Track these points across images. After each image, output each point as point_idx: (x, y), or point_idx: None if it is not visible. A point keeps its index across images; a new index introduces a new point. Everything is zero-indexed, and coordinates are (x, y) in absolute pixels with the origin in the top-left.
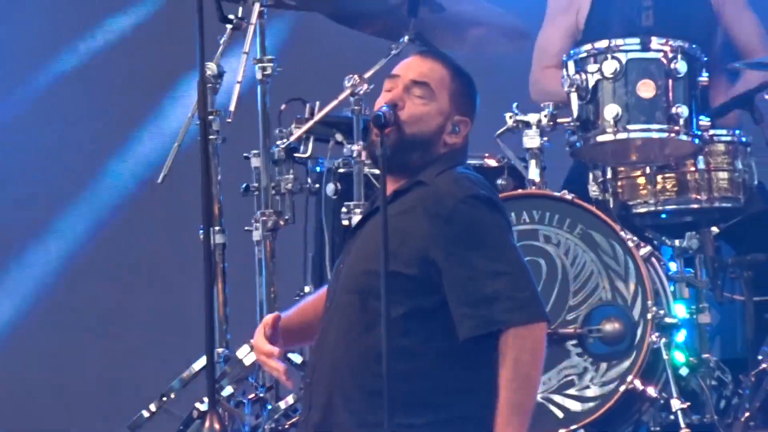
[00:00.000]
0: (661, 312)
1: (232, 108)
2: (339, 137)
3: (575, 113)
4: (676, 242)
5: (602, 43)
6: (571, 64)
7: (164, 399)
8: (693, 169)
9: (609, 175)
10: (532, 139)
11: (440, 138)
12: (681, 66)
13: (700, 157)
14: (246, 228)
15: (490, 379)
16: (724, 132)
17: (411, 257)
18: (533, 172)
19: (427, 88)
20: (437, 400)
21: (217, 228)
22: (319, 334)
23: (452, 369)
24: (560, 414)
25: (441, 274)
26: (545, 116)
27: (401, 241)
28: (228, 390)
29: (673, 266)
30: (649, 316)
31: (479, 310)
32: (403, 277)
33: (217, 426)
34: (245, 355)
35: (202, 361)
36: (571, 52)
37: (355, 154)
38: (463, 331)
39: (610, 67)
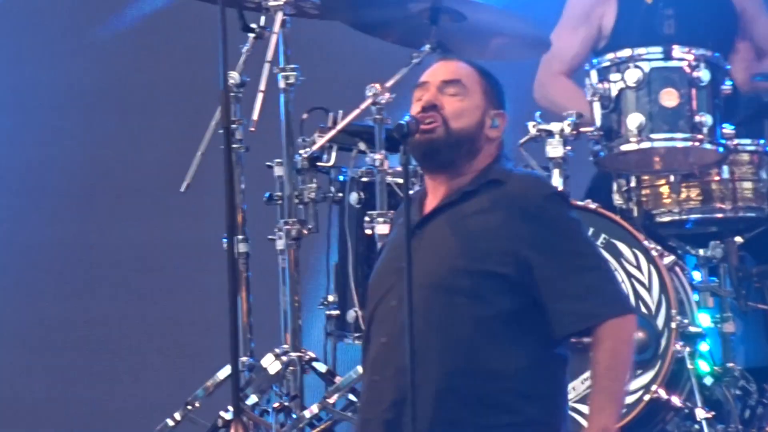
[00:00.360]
0: (686, 321)
1: (255, 117)
2: (362, 146)
3: (598, 122)
4: (700, 251)
5: (625, 52)
6: (593, 73)
7: (189, 408)
8: (717, 178)
9: (633, 183)
10: (555, 148)
11: (482, 132)
12: (704, 74)
13: (725, 167)
14: (269, 237)
15: (563, 386)
16: (748, 142)
17: (503, 256)
18: (556, 181)
19: (460, 84)
20: (517, 403)
21: (240, 237)
22: (385, 331)
23: (532, 373)
24: (585, 423)
25: (532, 272)
26: (568, 125)
27: (491, 240)
28: (252, 399)
29: (697, 275)
30: (673, 325)
31: (577, 306)
32: (497, 276)
33: None
34: (270, 363)
35: (226, 370)
36: (594, 61)
37: (377, 163)
38: (561, 328)
39: (633, 76)
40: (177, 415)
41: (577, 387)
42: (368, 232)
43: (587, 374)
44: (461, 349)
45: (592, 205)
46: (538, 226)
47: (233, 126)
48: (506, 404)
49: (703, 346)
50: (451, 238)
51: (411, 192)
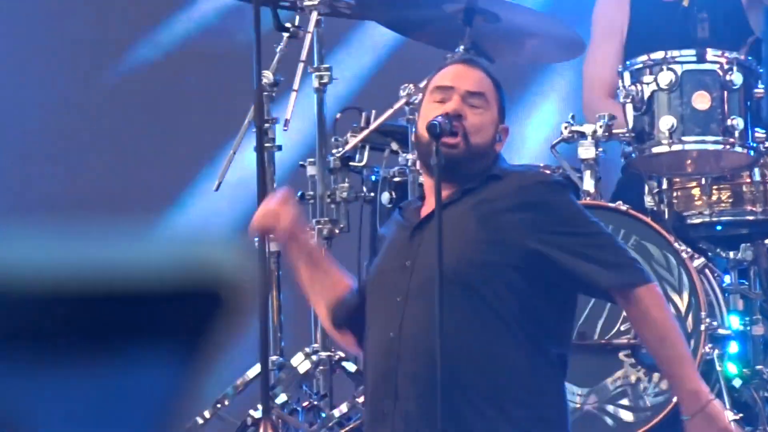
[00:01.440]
0: (715, 323)
1: (288, 116)
2: (394, 146)
3: (630, 124)
4: (731, 254)
5: (658, 54)
6: (626, 75)
7: (218, 406)
8: (748, 180)
9: (664, 185)
10: (587, 150)
11: (493, 147)
12: (736, 78)
13: (756, 169)
14: None
15: (564, 387)
16: None
17: (512, 248)
18: (588, 183)
19: (483, 98)
20: (530, 399)
21: (272, 235)
22: (394, 325)
23: (544, 370)
24: (612, 423)
25: (547, 260)
26: (600, 127)
27: (494, 231)
28: (282, 397)
29: (727, 278)
30: (703, 327)
31: (605, 273)
32: (510, 268)
33: None
34: (299, 362)
35: (256, 369)
36: (627, 62)
37: (410, 163)
38: (606, 280)
39: (665, 78)
40: (206, 413)
41: (606, 387)
42: None
43: (617, 374)
44: (470, 343)
45: (623, 207)
46: (542, 215)
47: (266, 125)
48: (517, 400)
49: (732, 348)
50: (455, 233)
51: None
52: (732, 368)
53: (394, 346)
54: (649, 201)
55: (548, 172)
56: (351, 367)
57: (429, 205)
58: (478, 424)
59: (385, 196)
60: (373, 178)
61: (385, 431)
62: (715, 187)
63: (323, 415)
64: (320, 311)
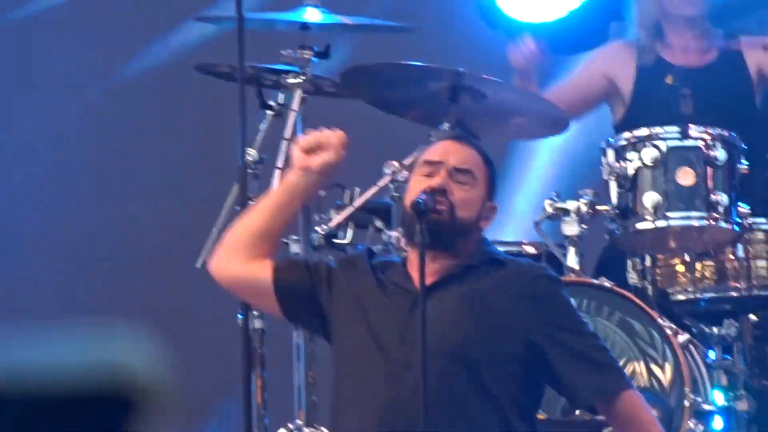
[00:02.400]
0: (699, 399)
1: None
2: (378, 224)
3: (614, 201)
4: (715, 329)
5: (642, 132)
6: (610, 152)
7: None
8: (732, 257)
9: (648, 262)
10: (570, 226)
11: (478, 224)
12: (720, 154)
13: (739, 245)
14: None
15: None
16: (763, 220)
17: (513, 335)
18: (572, 260)
19: (471, 175)
20: None
21: (255, 313)
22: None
23: None
24: None
25: (544, 355)
26: (584, 204)
27: (501, 318)
28: None
29: (711, 354)
30: (687, 403)
31: (596, 380)
32: (507, 355)
33: None
34: None
35: None
36: (610, 140)
37: (394, 241)
38: (582, 401)
39: (649, 154)
40: None
41: None
42: None
43: None
44: (466, 423)
45: (607, 284)
46: (547, 310)
47: (250, 203)
48: None
49: (717, 424)
50: (463, 310)
51: (384, 258)
52: None
53: (387, 414)
54: (632, 277)
55: (535, 251)
56: None
57: (427, 275)
58: None
59: None
60: None
61: None
62: (698, 263)
63: None
64: (253, 230)
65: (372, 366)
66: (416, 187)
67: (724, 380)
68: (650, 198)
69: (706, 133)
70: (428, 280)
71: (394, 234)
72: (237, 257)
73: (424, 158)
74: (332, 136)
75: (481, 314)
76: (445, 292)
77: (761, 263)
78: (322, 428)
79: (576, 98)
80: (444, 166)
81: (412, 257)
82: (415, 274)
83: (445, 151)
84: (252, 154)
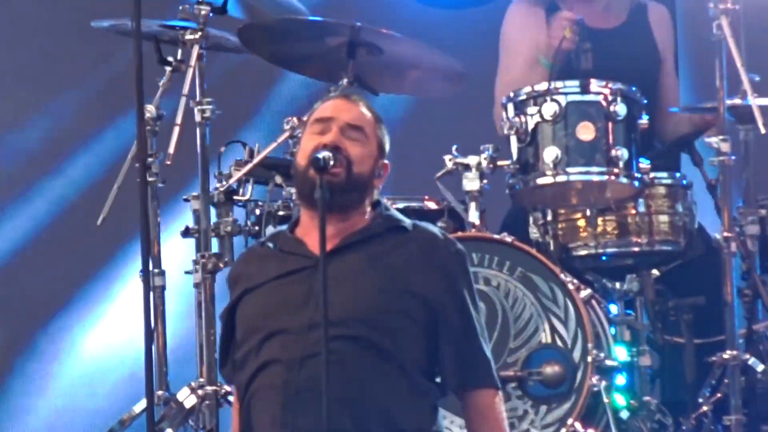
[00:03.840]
0: (602, 355)
1: (171, 150)
2: (278, 179)
3: (515, 156)
4: (617, 285)
5: (541, 86)
6: (510, 107)
7: None
8: (633, 212)
9: (549, 217)
10: (471, 182)
11: (373, 180)
12: (620, 108)
13: (641, 200)
14: (186, 271)
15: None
16: (664, 175)
17: (415, 298)
18: (473, 215)
19: (362, 131)
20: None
21: (156, 270)
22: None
23: (433, 415)
24: None
25: (437, 324)
26: (485, 159)
27: (405, 281)
28: None
29: (613, 309)
30: (590, 359)
31: (464, 368)
32: (409, 318)
33: None
34: (185, 397)
35: (142, 403)
36: (511, 94)
37: (294, 196)
38: (447, 384)
39: (549, 109)
40: None
41: None
42: None
43: (505, 405)
44: (369, 391)
45: (508, 239)
46: (449, 284)
47: (150, 159)
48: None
49: (620, 380)
50: (365, 274)
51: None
52: (620, 400)
53: (293, 381)
54: (534, 233)
55: (436, 207)
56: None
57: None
58: None
59: (270, 230)
60: (257, 211)
61: None
62: (600, 218)
63: None
64: None
65: (277, 332)
66: (308, 145)
67: (626, 336)
68: (550, 153)
69: (607, 87)
70: (327, 246)
71: (294, 189)
72: None
73: (314, 117)
74: None
75: (384, 278)
76: (347, 256)
77: (663, 218)
78: (225, 386)
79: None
80: (335, 123)
81: (305, 219)
82: (307, 239)
83: (336, 108)
84: (150, 110)
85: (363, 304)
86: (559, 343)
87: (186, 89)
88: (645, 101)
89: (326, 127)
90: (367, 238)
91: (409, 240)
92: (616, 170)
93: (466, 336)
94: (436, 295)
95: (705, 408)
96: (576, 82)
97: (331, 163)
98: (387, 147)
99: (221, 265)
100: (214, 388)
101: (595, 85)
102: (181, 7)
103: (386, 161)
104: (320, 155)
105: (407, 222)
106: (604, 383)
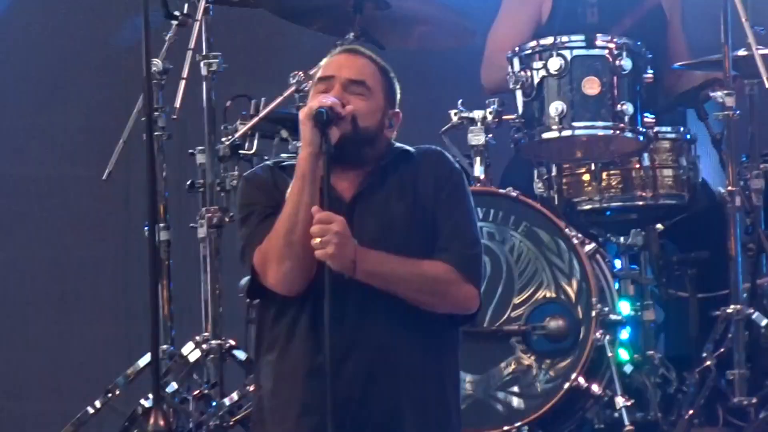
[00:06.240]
0: (606, 309)
1: (177, 104)
2: (284, 134)
3: (520, 110)
4: (621, 239)
5: (547, 40)
6: (516, 61)
7: (109, 396)
8: (638, 166)
9: (554, 172)
10: (476, 136)
11: (382, 132)
12: (626, 63)
13: (645, 154)
14: (191, 225)
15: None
16: (668, 129)
17: (430, 220)
18: (478, 169)
19: (364, 86)
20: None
21: (162, 224)
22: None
23: (445, 354)
24: (503, 410)
25: (434, 223)
26: (490, 113)
27: (421, 210)
28: (172, 386)
29: (618, 263)
30: (594, 313)
31: (445, 242)
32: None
33: (161, 422)
34: (190, 351)
35: (146, 358)
36: (516, 48)
37: (299, 151)
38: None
39: (555, 64)
40: (97, 403)
41: (497, 374)
42: None
43: (508, 361)
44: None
45: (513, 193)
46: (446, 193)
47: (156, 114)
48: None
49: (624, 334)
50: (390, 211)
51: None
52: (623, 354)
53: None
54: (538, 187)
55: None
56: (241, 355)
57: (342, 187)
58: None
59: None
60: None
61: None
62: (604, 172)
63: (214, 403)
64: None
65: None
66: (314, 104)
67: (631, 290)
68: (555, 107)
69: (612, 42)
70: (350, 193)
71: (299, 144)
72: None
73: (318, 76)
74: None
75: (406, 208)
76: (370, 198)
77: (667, 172)
78: (230, 340)
79: (529, 30)
80: (337, 80)
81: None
82: (338, 185)
83: (337, 65)
84: (157, 64)
85: (394, 237)
86: (563, 297)
87: (192, 43)
88: (650, 55)
89: (329, 86)
90: (380, 176)
91: (414, 162)
92: (621, 125)
93: (455, 230)
94: (436, 208)
95: (709, 362)
96: (581, 36)
97: (333, 115)
98: (397, 96)
99: (227, 219)
100: (218, 342)
101: (600, 39)
102: None
103: (397, 110)
104: (322, 109)
105: (409, 150)
106: (608, 338)
